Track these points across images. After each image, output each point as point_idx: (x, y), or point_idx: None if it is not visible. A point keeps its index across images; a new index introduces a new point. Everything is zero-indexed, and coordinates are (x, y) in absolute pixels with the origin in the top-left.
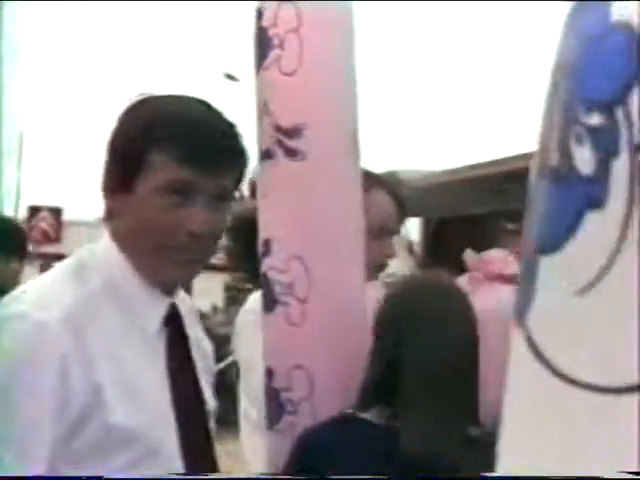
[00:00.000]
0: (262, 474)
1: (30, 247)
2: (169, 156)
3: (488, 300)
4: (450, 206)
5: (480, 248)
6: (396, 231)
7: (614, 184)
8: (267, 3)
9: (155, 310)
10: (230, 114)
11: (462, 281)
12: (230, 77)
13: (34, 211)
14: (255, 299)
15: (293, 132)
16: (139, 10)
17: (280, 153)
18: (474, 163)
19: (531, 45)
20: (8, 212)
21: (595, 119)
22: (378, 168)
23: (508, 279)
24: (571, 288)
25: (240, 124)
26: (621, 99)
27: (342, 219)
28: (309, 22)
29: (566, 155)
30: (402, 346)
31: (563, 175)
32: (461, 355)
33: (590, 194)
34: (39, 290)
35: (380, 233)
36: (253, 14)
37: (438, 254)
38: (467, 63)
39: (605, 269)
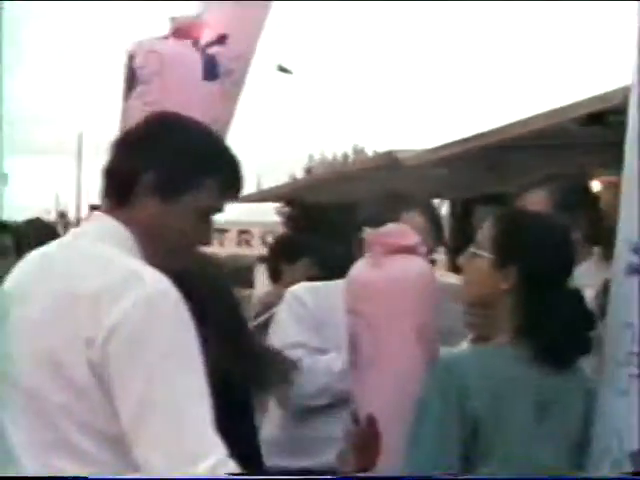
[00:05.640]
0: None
1: None
2: (217, 187)
3: (391, 271)
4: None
5: None
6: (432, 250)
7: None
8: (137, 49)
9: None
10: (283, 105)
11: (363, 259)
12: (283, 69)
13: (94, 210)
14: None
15: None
16: None
17: None
18: (472, 135)
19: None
20: (71, 211)
21: None
22: (374, 148)
23: (408, 250)
24: None
25: (292, 115)
26: None
27: None
28: (169, 66)
29: None
30: None
31: None
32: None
33: None
34: (140, 269)
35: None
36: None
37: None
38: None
39: None
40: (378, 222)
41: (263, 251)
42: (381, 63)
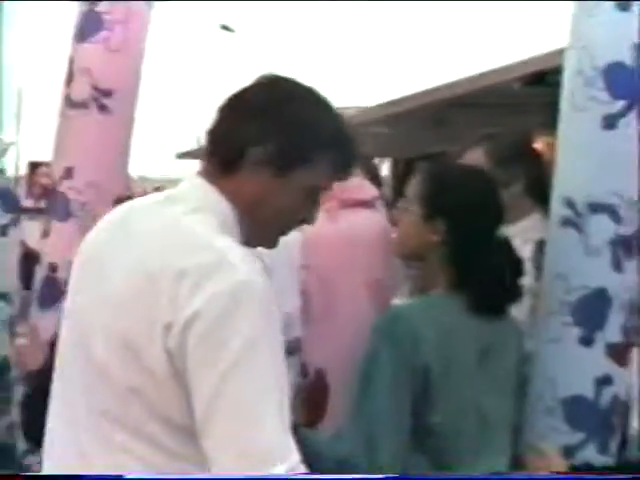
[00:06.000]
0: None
1: (31, 203)
2: (330, 164)
3: (344, 226)
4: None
5: None
6: None
7: None
8: None
9: None
10: (225, 64)
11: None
12: (226, 28)
13: (34, 167)
14: None
15: (107, 93)
16: None
17: (94, 106)
18: (415, 92)
19: None
20: (9, 169)
21: None
22: None
23: (364, 204)
24: None
25: (235, 74)
26: None
27: (125, 156)
28: (134, 18)
29: None
30: None
31: None
32: None
33: None
34: (232, 251)
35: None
36: None
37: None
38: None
39: None
40: None
41: None
42: (327, 19)
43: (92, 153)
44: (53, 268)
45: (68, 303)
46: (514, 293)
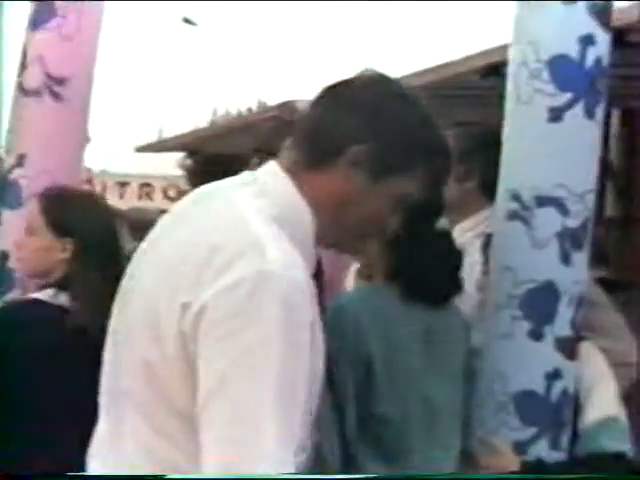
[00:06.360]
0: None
1: None
2: (426, 173)
3: None
4: None
5: None
6: None
7: None
8: None
9: (309, 264)
10: (187, 58)
11: None
12: (188, 21)
13: None
14: None
15: (60, 81)
16: None
17: (47, 94)
18: None
19: None
20: None
21: None
22: (271, 97)
23: None
24: None
25: (196, 67)
26: None
27: (80, 145)
28: (88, 6)
29: None
30: None
31: None
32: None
33: None
34: (274, 242)
35: None
36: None
37: None
38: None
39: None
40: (269, 148)
41: (165, 205)
42: (289, 14)
43: (45, 141)
44: (4, 256)
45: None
46: (453, 284)
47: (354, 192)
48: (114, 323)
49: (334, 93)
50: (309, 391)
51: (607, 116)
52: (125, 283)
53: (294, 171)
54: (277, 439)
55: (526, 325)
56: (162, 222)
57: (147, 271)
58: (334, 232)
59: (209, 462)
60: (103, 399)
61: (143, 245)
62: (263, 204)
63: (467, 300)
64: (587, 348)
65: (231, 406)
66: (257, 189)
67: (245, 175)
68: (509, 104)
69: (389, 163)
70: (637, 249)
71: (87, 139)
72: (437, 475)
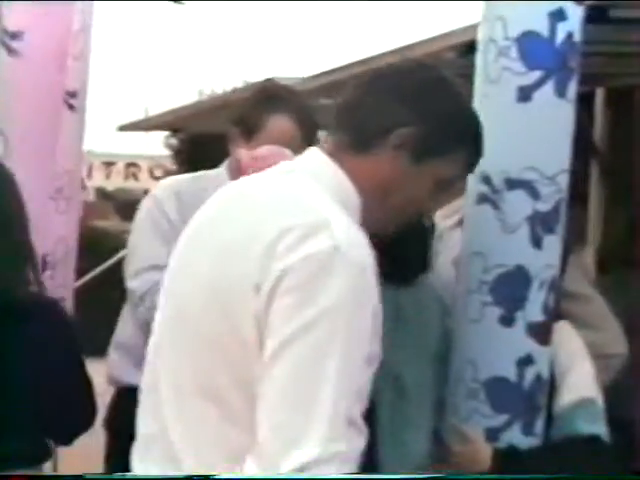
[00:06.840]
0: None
1: None
2: (464, 159)
3: None
4: None
5: None
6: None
7: None
8: None
9: None
10: (173, 37)
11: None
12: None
13: None
14: None
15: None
16: None
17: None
18: (346, 63)
19: None
20: None
21: None
22: (256, 77)
23: None
24: None
25: (183, 47)
26: None
27: (40, 101)
28: None
29: None
30: None
31: None
32: None
33: None
34: (341, 222)
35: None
36: None
37: None
38: None
39: None
40: (246, 124)
41: (151, 185)
42: None
43: None
44: None
45: (167, 282)
46: (422, 261)
47: (399, 175)
48: (168, 308)
49: (379, 78)
50: (365, 373)
51: (591, 96)
52: (176, 271)
53: (338, 156)
54: (329, 417)
55: (497, 311)
56: (205, 212)
57: (206, 255)
58: (378, 215)
59: (262, 437)
60: (148, 399)
61: (188, 232)
62: (317, 188)
63: (447, 286)
64: (562, 329)
65: (282, 386)
66: (307, 175)
67: (283, 165)
68: (478, 83)
69: (433, 146)
70: (621, 229)
71: None
72: (437, 475)
